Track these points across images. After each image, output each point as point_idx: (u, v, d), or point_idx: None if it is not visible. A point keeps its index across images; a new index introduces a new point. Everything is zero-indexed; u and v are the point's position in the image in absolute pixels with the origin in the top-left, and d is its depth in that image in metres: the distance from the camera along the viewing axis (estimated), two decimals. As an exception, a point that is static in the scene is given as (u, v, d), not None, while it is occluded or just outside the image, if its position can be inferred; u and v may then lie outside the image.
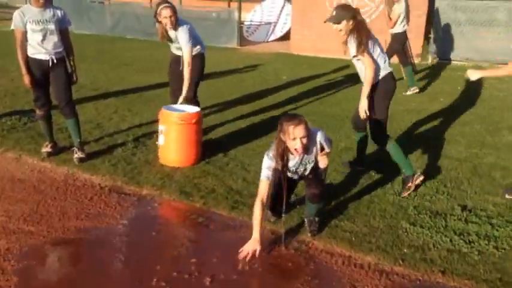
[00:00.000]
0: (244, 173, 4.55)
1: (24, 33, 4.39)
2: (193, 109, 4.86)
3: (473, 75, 4.11)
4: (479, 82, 8.66)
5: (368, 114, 4.09)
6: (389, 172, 4.46)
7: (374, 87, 4.08)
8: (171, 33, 5.04)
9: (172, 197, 4.04)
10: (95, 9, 16.49)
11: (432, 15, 10.78)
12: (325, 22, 4.06)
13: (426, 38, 10.93)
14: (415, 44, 9.87)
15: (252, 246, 3.19)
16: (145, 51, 12.19)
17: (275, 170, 3.28)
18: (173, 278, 2.94)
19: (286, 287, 2.95)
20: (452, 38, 10.65)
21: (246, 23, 15.08)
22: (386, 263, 3.16)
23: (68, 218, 3.62)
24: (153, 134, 5.46)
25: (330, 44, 11.61)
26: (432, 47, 10.84)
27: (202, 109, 5.22)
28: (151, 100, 7.10)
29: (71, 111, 4.71)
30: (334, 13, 3.99)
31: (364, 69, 4.04)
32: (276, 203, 3.51)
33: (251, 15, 15.42)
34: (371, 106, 4.11)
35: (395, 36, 7.72)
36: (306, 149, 3.24)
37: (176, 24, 4.94)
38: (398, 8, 7.53)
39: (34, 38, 4.40)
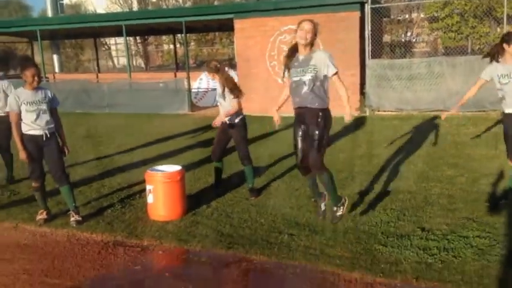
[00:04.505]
0: (229, 220, 5.07)
1: (19, 114, 4.83)
2: (176, 168, 5.38)
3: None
4: (415, 126, 9.80)
5: None
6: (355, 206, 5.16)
7: None
8: None
9: (172, 245, 4.49)
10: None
11: (364, 73, 12.09)
12: None
13: (362, 93, 12.15)
14: (353, 100, 10.97)
15: None
16: (100, 123, 12.60)
17: None
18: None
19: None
20: (384, 92, 11.94)
21: (193, 90, 15.89)
22: (369, 277, 3.76)
23: (85, 269, 3.98)
24: (134, 195, 5.90)
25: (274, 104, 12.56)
26: (368, 101, 12.05)
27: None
28: (121, 166, 7.53)
29: (65, 179, 5.11)
30: None
31: None
32: None
33: (197, 83, 16.29)
34: None
35: None
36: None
37: None
38: None
39: (28, 117, 4.84)
